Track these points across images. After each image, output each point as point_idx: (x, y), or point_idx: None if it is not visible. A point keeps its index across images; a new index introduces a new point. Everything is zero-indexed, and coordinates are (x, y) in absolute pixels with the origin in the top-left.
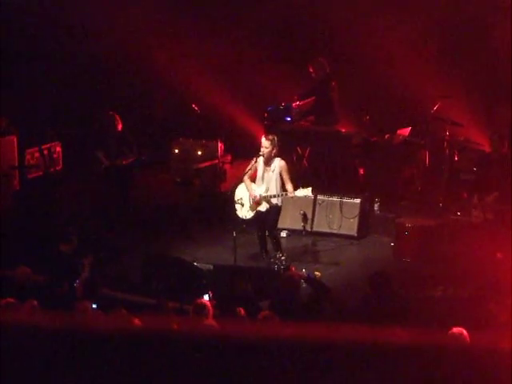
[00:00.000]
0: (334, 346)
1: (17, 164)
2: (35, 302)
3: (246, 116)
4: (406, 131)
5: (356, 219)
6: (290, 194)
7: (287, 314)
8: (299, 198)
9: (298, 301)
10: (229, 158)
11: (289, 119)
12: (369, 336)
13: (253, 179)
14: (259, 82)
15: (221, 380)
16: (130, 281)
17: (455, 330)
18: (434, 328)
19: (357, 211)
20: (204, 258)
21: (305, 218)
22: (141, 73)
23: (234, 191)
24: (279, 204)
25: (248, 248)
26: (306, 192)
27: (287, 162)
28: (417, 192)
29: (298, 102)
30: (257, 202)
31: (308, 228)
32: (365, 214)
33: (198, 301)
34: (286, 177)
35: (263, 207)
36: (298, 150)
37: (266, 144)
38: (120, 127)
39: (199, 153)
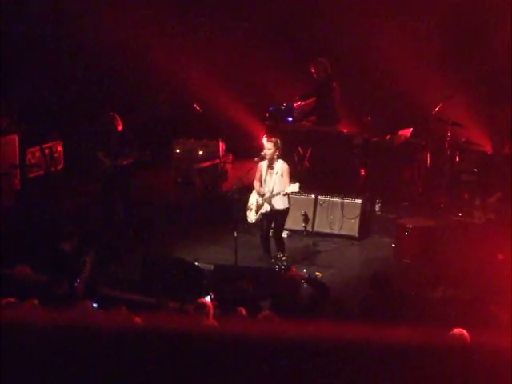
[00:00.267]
0: (334, 346)
1: (18, 163)
2: (36, 301)
3: (248, 116)
4: (408, 132)
5: (357, 220)
6: (281, 194)
7: (288, 314)
8: (300, 198)
9: (299, 301)
10: (230, 157)
11: (290, 119)
12: (369, 336)
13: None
14: (261, 82)
15: (221, 380)
16: (130, 280)
17: (456, 330)
18: (435, 328)
19: (358, 212)
20: (205, 257)
21: (306, 218)
22: (142, 73)
23: (245, 195)
24: (287, 206)
25: (249, 248)
26: (293, 188)
27: (288, 162)
28: (418, 193)
29: (299, 103)
30: (260, 205)
31: (309, 228)
32: (366, 215)
33: (199, 300)
34: (286, 180)
35: (265, 209)
36: (300, 150)
37: (268, 146)
38: (120, 127)
39: (200, 152)
